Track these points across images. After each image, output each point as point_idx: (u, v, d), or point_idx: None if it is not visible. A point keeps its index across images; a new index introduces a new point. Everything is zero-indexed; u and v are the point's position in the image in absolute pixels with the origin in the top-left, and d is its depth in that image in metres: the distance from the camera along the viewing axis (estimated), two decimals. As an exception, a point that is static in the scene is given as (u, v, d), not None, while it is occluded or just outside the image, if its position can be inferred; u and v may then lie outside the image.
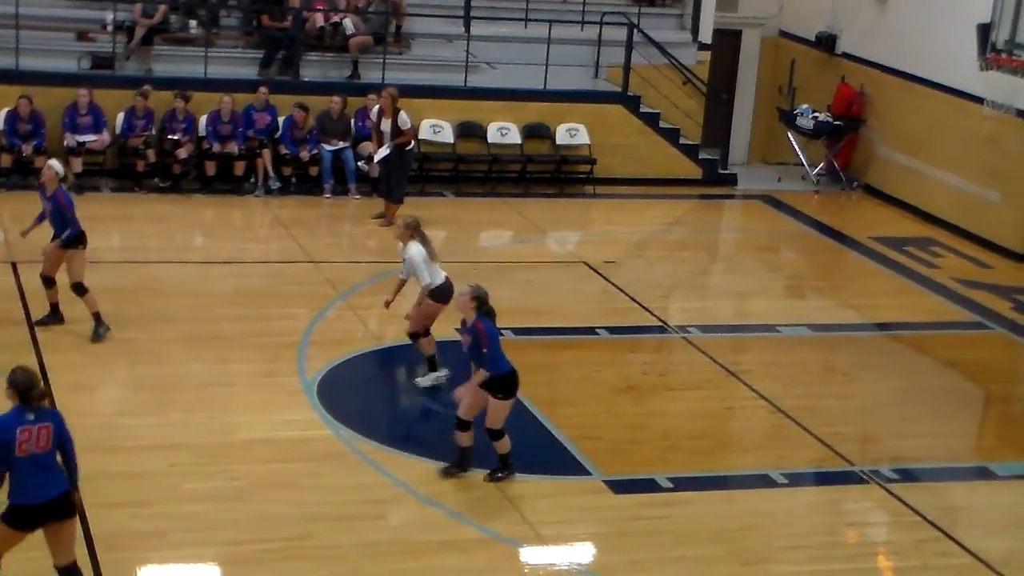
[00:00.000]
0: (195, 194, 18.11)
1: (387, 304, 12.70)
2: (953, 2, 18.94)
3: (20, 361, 9.00)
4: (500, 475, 11.04)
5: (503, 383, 10.81)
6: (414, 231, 12.56)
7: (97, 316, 13.07)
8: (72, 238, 12.94)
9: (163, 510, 10.17)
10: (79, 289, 13.02)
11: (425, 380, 12.77)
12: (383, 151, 17.27)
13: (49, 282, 13.16)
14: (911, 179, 20.18)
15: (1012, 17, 15.09)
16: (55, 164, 13.05)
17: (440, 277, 12.55)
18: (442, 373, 12.75)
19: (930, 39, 19.64)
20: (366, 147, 18.40)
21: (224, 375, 12.71)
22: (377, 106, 17.52)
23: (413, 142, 17.78)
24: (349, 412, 12.12)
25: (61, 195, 12.91)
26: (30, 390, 8.32)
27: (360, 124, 18.78)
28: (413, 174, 18.75)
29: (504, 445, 10.96)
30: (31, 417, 8.30)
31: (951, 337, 15.40)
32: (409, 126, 17.44)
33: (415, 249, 12.46)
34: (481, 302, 10.77)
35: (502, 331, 14.13)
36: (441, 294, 12.51)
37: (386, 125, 17.25)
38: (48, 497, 8.34)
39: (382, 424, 12.31)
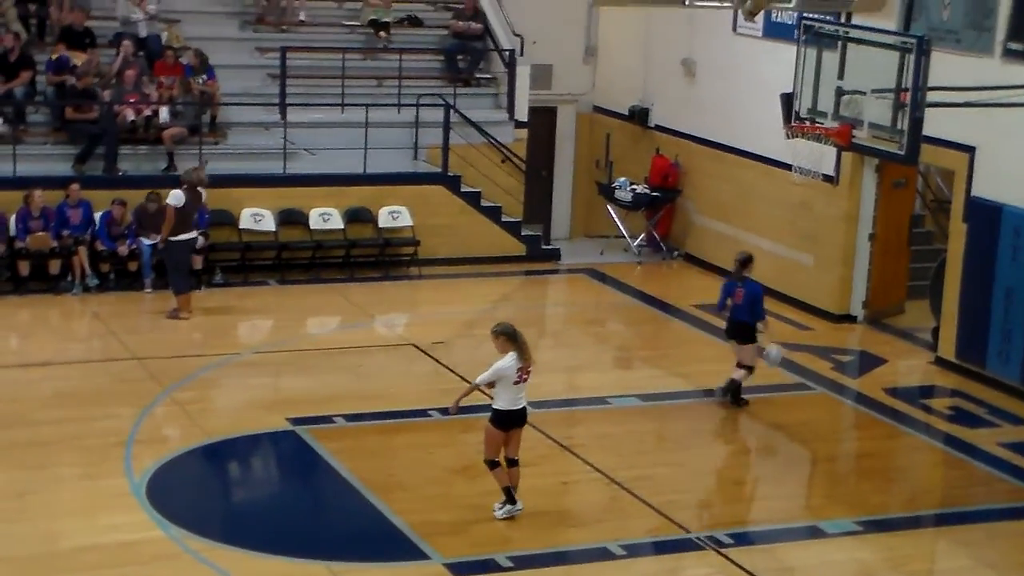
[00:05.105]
0: (8, 295, 17.59)
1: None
2: (757, 73, 19.57)
3: None
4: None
5: None
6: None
7: None
8: None
9: (-14, 628, 9.77)
10: None
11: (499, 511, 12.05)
12: (153, 239, 17.44)
13: None
14: (728, 246, 20.60)
15: (812, 87, 15.61)
16: None
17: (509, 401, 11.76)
18: (518, 507, 12.05)
19: (737, 109, 20.24)
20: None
21: (46, 481, 12.27)
22: None
23: (195, 233, 17.43)
24: (180, 511, 11.79)
25: None
26: None
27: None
28: (235, 264, 18.51)
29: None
30: None
31: (776, 400, 15.72)
32: (175, 205, 16.88)
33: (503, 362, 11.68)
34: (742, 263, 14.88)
35: (333, 417, 14.19)
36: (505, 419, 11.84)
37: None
38: None
39: (215, 521, 12.01)
